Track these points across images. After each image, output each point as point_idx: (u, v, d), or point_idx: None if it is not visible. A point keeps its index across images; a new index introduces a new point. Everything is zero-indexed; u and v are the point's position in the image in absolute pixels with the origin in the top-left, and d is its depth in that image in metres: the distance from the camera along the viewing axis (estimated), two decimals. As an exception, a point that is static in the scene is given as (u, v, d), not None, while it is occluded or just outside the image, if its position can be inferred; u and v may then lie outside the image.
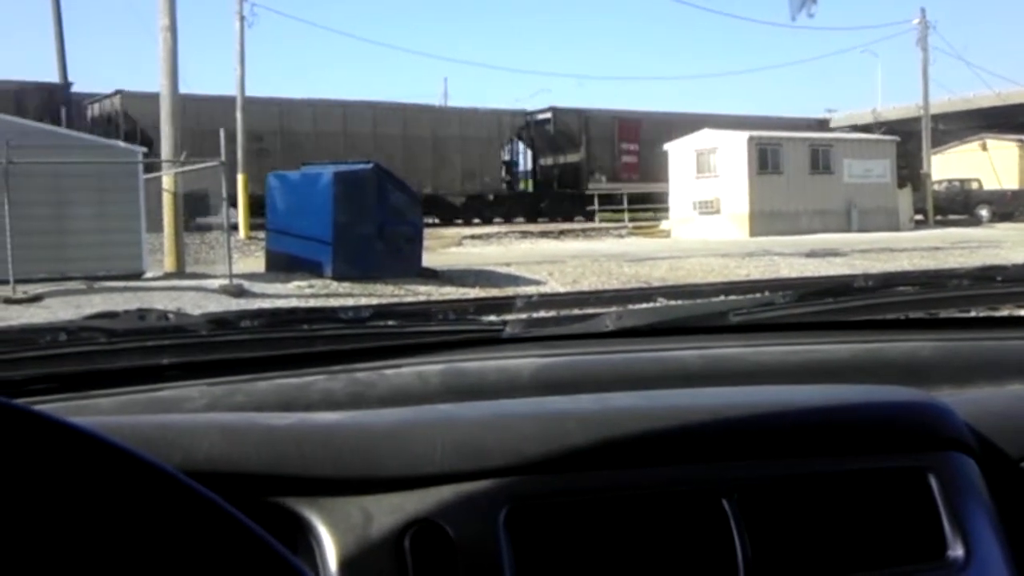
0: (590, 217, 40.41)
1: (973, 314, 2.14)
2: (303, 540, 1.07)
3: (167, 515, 0.66)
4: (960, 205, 40.36)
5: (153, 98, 30.38)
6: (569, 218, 40.43)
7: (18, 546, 0.62)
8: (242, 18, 29.04)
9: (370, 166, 17.84)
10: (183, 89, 18.83)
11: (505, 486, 1.15)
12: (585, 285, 17.20)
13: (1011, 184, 41.25)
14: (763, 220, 31.75)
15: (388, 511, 1.09)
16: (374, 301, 14.56)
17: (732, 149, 32.63)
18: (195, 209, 20.71)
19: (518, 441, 1.19)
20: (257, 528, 0.69)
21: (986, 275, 2.17)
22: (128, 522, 0.65)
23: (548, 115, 42.92)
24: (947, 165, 42.16)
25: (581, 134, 42.18)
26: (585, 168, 42.48)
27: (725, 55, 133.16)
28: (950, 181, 41.01)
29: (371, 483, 1.11)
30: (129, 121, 34.36)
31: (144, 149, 17.77)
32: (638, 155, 42.69)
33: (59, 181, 16.27)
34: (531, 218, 40.88)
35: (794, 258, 21.94)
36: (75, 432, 0.65)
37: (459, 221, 38.03)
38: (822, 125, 47.24)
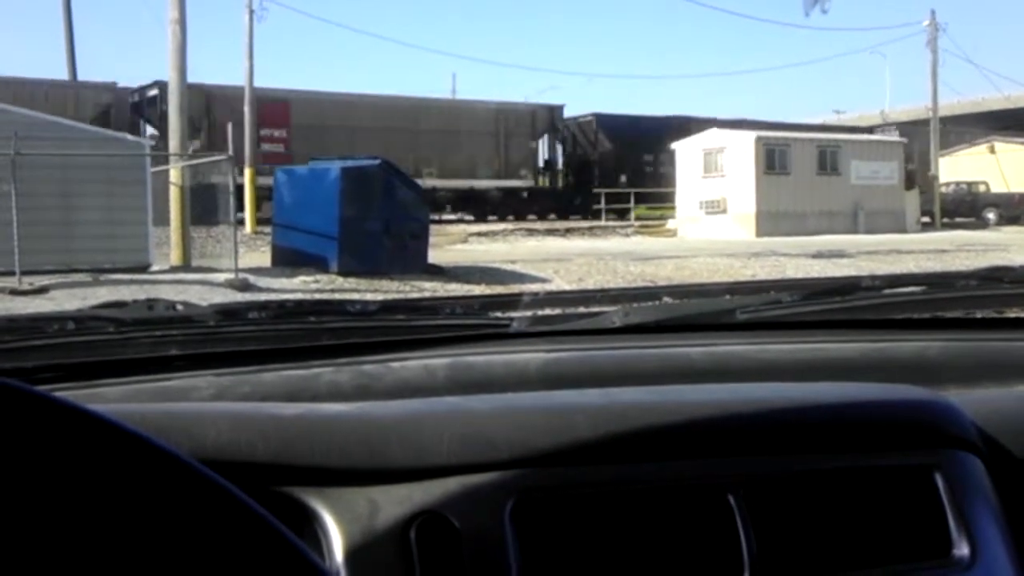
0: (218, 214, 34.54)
1: (980, 315, 2.14)
2: (309, 530, 1.07)
3: (181, 501, 0.67)
4: (967, 208, 40.24)
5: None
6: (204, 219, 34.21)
7: (35, 529, 0.63)
8: (251, 12, 29.04)
9: (377, 162, 17.84)
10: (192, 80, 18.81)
11: (511, 478, 1.15)
12: (591, 283, 17.20)
13: (1019, 187, 41.14)
14: (769, 220, 31.71)
15: (394, 502, 1.10)
16: (379, 297, 14.58)
17: (739, 149, 32.58)
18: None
19: (525, 434, 1.19)
20: (269, 516, 0.69)
21: (993, 276, 2.17)
22: (143, 507, 0.66)
23: (155, 92, 34.45)
24: (955, 167, 42.05)
25: (202, 117, 34.07)
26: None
27: (734, 54, 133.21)
28: (957, 183, 40.91)
29: (377, 474, 1.11)
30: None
31: (153, 142, 17.64)
32: (286, 142, 35.98)
33: (66, 173, 16.28)
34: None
35: (800, 259, 21.91)
36: (92, 418, 0.66)
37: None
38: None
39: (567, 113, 41.84)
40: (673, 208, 35.19)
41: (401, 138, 36.83)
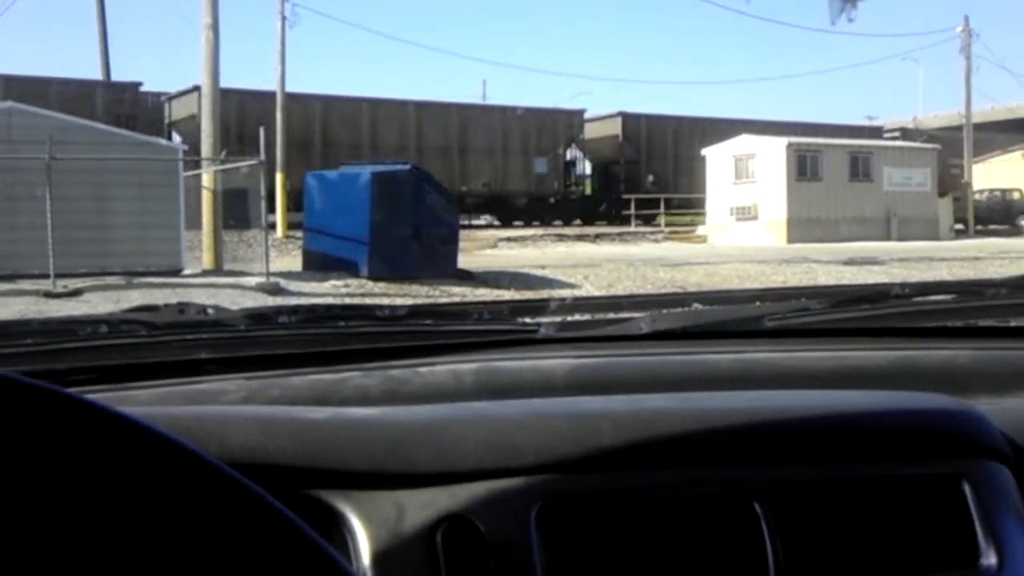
0: None
1: (1012, 324, 2.12)
2: (337, 532, 1.08)
3: (208, 504, 0.68)
4: (1001, 215, 39.87)
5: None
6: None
7: (63, 530, 0.64)
8: (283, 18, 29.20)
9: (408, 167, 17.89)
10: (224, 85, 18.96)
11: (537, 484, 1.15)
12: (620, 289, 17.17)
13: (1053, 194, 40.71)
14: (801, 227, 31.54)
15: (421, 506, 1.10)
16: (409, 301, 14.60)
17: (771, 155, 32.43)
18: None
19: (551, 440, 1.19)
20: (296, 518, 0.70)
21: None
22: (170, 509, 0.67)
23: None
24: (989, 174, 41.66)
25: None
26: None
27: (766, 60, 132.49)
28: (991, 190, 40.53)
29: (404, 478, 1.12)
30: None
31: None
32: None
33: (100, 177, 16.44)
34: None
35: (832, 265, 21.76)
36: (122, 421, 0.67)
37: None
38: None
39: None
40: (702, 214, 35.12)
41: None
